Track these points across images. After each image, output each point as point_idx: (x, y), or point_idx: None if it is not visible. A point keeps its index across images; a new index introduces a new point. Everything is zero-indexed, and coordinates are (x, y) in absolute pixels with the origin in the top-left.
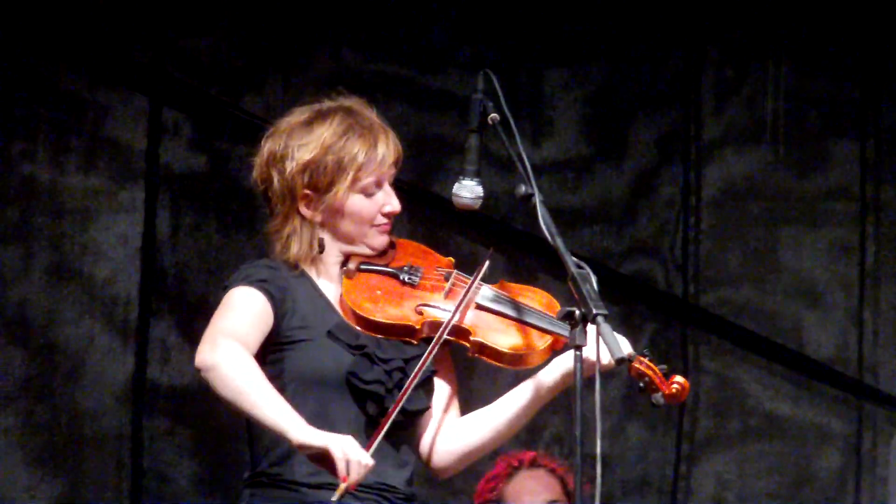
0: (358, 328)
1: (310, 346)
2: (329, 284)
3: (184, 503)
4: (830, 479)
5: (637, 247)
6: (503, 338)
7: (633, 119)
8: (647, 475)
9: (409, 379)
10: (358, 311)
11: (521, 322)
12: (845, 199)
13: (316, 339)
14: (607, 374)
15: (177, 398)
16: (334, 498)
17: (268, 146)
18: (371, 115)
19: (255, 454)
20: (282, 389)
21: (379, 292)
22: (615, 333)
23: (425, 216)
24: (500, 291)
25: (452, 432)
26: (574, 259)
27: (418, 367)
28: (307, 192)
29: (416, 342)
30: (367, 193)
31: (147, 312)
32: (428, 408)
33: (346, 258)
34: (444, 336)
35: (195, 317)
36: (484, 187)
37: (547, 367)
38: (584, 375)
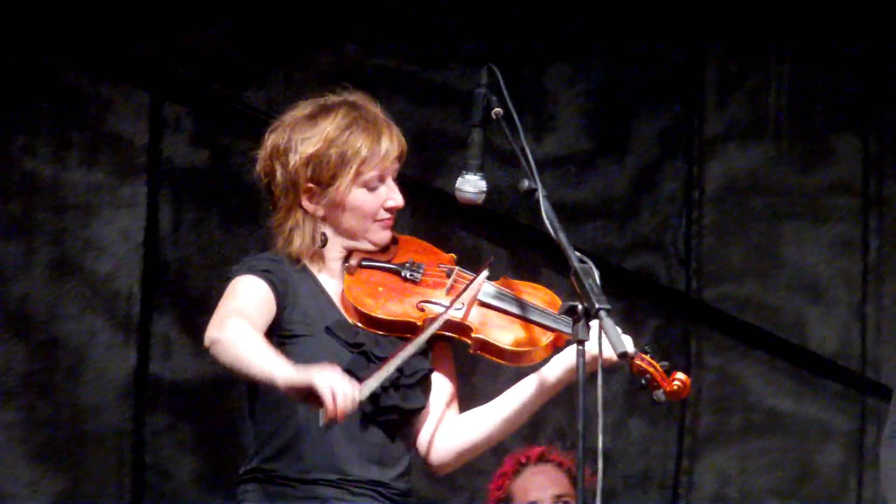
0: (358, 325)
1: (309, 341)
2: (331, 280)
3: (185, 499)
4: (832, 474)
5: (639, 242)
6: (505, 335)
7: (635, 114)
8: (648, 470)
9: (396, 352)
10: (359, 308)
11: (523, 319)
12: (848, 195)
13: (315, 335)
14: (610, 369)
15: (179, 394)
16: (321, 423)
17: (271, 139)
18: (375, 109)
19: (251, 449)
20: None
21: (381, 289)
22: (618, 329)
23: (428, 211)
24: (502, 288)
25: (451, 429)
26: (577, 254)
27: (409, 348)
28: (310, 185)
29: None
30: (370, 188)
31: (149, 307)
32: (424, 406)
33: (348, 254)
34: (443, 332)
35: (197, 312)
36: (487, 182)
37: (549, 364)
38: (586, 371)
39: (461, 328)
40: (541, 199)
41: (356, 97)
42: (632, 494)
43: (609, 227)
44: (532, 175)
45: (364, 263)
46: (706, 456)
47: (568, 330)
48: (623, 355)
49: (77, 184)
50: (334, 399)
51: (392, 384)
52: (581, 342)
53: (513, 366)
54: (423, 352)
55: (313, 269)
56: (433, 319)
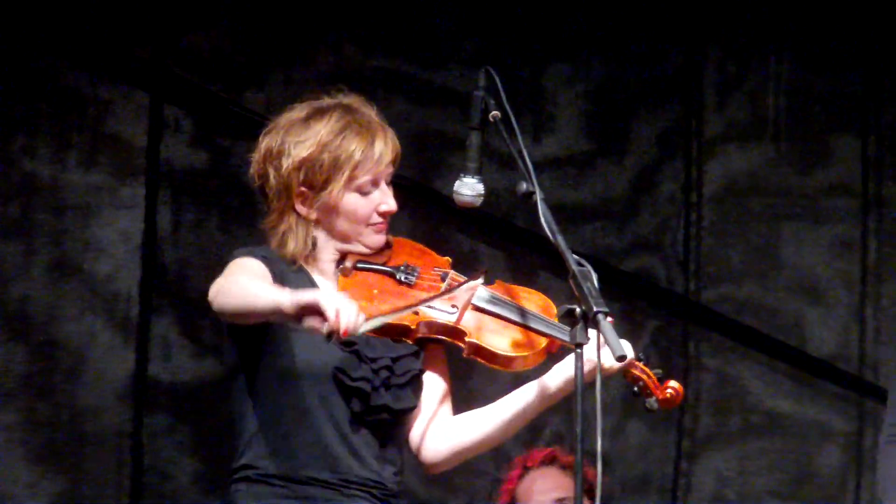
0: None
1: (300, 338)
2: (325, 282)
3: (184, 500)
4: (831, 476)
5: (638, 243)
6: (498, 339)
7: (634, 115)
8: (647, 473)
9: (409, 299)
10: None
11: (517, 324)
12: (847, 196)
13: (306, 333)
14: (609, 376)
15: (178, 395)
16: (324, 333)
17: (265, 142)
18: (370, 112)
19: (241, 447)
20: (270, 381)
21: (375, 291)
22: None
23: (426, 213)
24: (496, 293)
25: (446, 428)
26: (575, 256)
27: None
28: (303, 189)
29: (411, 342)
30: (363, 192)
31: (148, 309)
32: (415, 406)
33: (343, 256)
34: (436, 336)
35: (196, 313)
36: (485, 184)
37: (550, 372)
38: (585, 379)
39: (455, 332)
40: (538, 202)
41: (351, 100)
42: (631, 497)
43: (608, 228)
44: (530, 178)
45: (359, 265)
46: (705, 458)
47: (562, 336)
48: (622, 358)
49: (76, 185)
50: (338, 315)
51: (383, 384)
52: (579, 346)
53: (506, 371)
54: (415, 353)
55: (308, 269)
56: (430, 325)
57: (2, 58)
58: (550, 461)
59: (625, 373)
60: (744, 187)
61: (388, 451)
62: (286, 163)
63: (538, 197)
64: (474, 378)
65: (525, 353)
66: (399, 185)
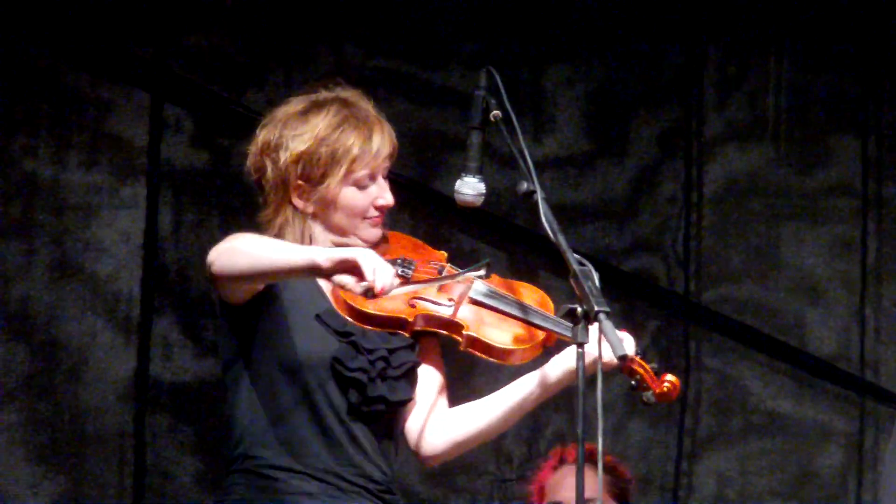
0: (348, 319)
1: (298, 326)
2: None
3: (186, 500)
4: (832, 476)
5: (638, 243)
6: (495, 332)
7: (634, 115)
8: (648, 473)
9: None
10: (351, 303)
11: (513, 317)
12: (847, 196)
13: (305, 322)
14: (610, 372)
15: (179, 395)
16: (359, 291)
17: (262, 135)
18: (367, 106)
19: (235, 437)
20: (269, 371)
21: None
22: (617, 330)
23: (427, 213)
24: (492, 286)
25: (442, 420)
26: (576, 256)
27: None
28: (300, 183)
29: (408, 334)
30: (361, 186)
31: (149, 309)
32: (411, 399)
33: None
34: (434, 329)
35: (198, 313)
36: (486, 184)
37: (549, 364)
38: (586, 373)
39: (452, 325)
40: (539, 201)
41: (348, 94)
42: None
43: (608, 228)
44: (531, 177)
45: None
46: (706, 458)
47: (559, 329)
48: (623, 358)
49: (77, 185)
50: (375, 273)
51: (379, 375)
52: (581, 345)
53: (502, 364)
54: (410, 345)
55: None
56: (427, 318)
57: (2, 58)
58: (587, 459)
59: (622, 367)
60: (744, 187)
61: (382, 445)
62: (284, 156)
63: (539, 196)
64: (476, 375)
65: (522, 347)
66: (400, 184)
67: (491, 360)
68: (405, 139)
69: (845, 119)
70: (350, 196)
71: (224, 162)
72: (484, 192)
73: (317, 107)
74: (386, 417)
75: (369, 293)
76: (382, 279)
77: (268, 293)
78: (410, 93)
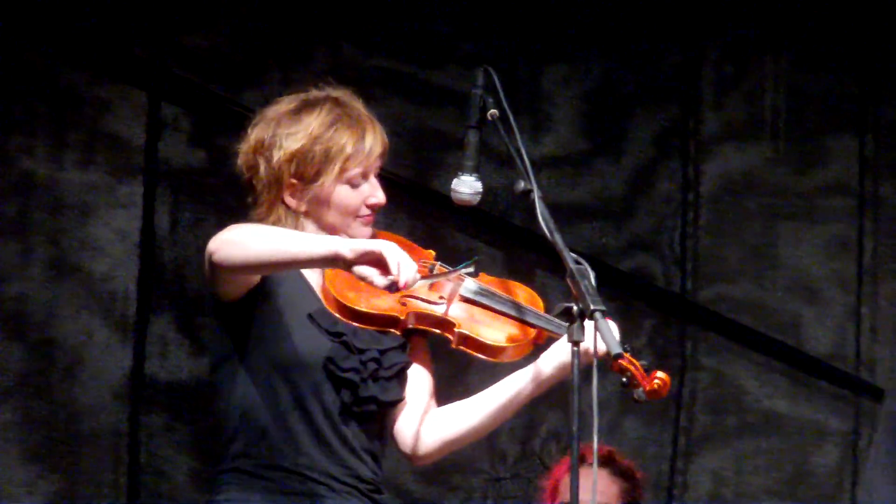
0: (338, 317)
1: (290, 326)
2: (313, 273)
3: (181, 499)
4: (827, 475)
5: (635, 243)
6: (486, 330)
7: (631, 115)
8: (643, 471)
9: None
10: (342, 301)
11: (503, 315)
12: (844, 195)
13: (296, 321)
14: (604, 368)
15: (175, 394)
16: (382, 284)
17: (254, 134)
18: (359, 105)
19: (227, 434)
20: (263, 369)
21: (362, 283)
22: (610, 324)
23: (424, 212)
24: (482, 284)
25: (432, 420)
26: (572, 255)
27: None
28: (293, 181)
29: (399, 333)
30: (354, 185)
31: (146, 308)
32: (401, 399)
33: None
34: (425, 327)
35: (194, 312)
36: (483, 183)
37: (542, 359)
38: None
39: (444, 323)
40: (536, 200)
41: (339, 93)
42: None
43: (605, 227)
44: (528, 176)
45: None
46: (701, 457)
47: (549, 326)
48: (618, 356)
49: (74, 184)
50: (399, 268)
51: (371, 375)
52: (576, 343)
53: (493, 361)
54: (402, 346)
55: None
56: (418, 316)
57: None
58: (605, 462)
59: (612, 364)
60: (741, 187)
61: (372, 445)
62: (277, 154)
63: (536, 195)
64: (470, 374)
65: (512, 344)
66: (397, 184)
67: (483, 358)
68: (402, 138)
69: (842, 118)
70: (343, 194)
71: (221, 161)
72: (481, 190)
73: (309, 106)
74: (377, 417)
75: (392, 287)
76: (406, 273)
77: (262, 289)
78: (408, 92)
